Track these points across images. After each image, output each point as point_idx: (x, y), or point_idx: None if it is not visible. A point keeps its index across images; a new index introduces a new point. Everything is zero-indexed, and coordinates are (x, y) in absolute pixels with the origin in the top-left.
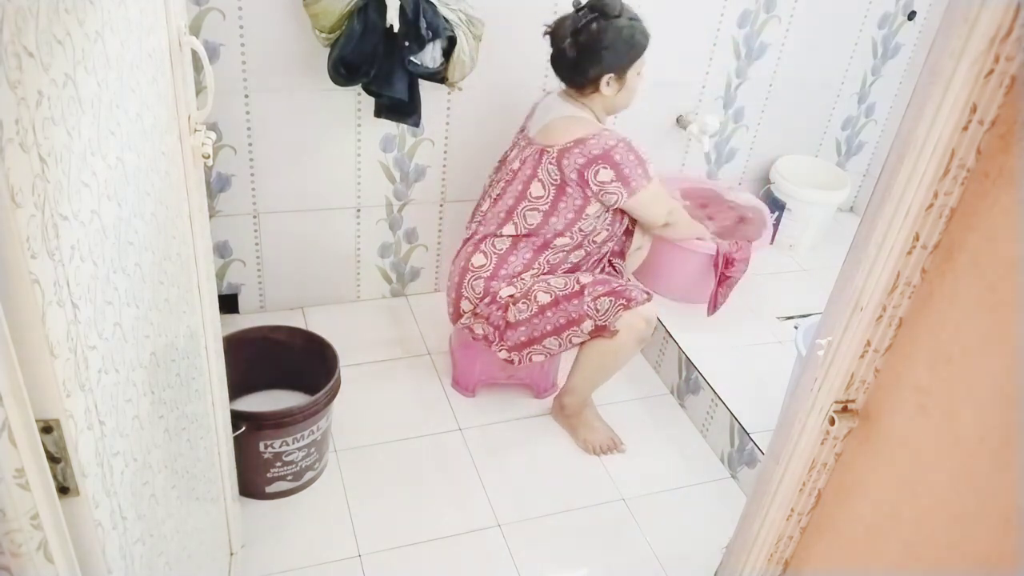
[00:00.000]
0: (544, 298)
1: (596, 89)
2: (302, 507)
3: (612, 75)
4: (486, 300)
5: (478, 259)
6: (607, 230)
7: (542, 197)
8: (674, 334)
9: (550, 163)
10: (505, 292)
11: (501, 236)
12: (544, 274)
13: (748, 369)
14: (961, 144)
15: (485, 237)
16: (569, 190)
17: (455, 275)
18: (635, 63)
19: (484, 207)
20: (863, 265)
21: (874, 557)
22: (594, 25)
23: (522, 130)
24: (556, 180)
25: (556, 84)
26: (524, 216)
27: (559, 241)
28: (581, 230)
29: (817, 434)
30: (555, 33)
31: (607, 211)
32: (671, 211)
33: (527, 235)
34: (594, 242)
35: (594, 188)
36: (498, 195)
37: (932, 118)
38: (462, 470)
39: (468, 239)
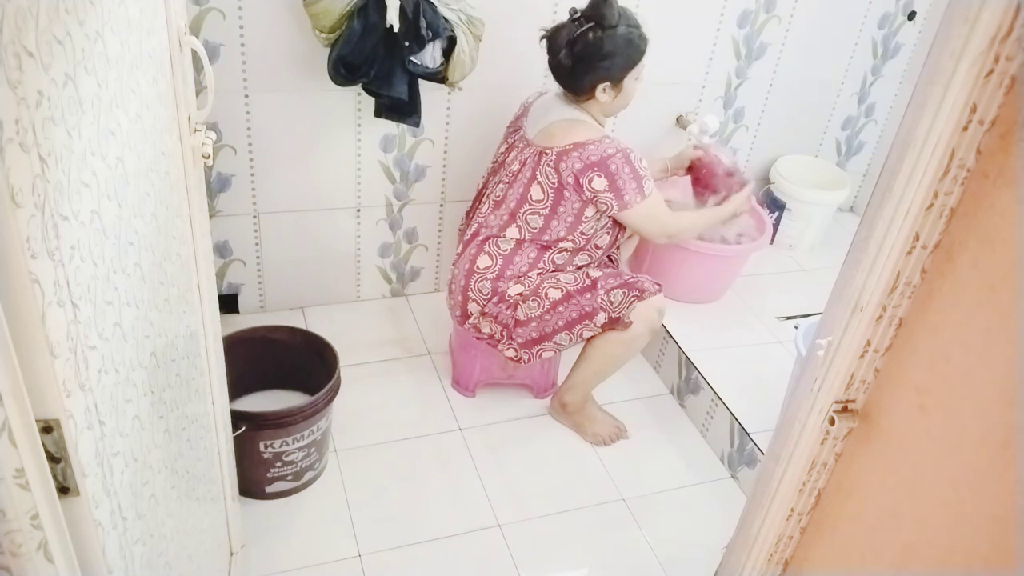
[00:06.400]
0: (555, 294)
1: (592, 96)
2: (302, 507)
3: (608, 83)
4: (494, 299)
5: (483, 260)
6: (609, 234)
7: (542, 200)
8: (674, 334)
9: (548, 166)
10: (513, 290)
11: (504, 238)
12: (551, 272)
13: (748, 369)
14: (961, 144)
15: (488, 238)
16: (566, 193)
17: (460, 278)
18: (633, 69)
19: (484, 209)
20: (863, 265)
21: (874, 557)
22: (590, 35)
23: (517, 129)
24: (554, 183)
25: (556, 85)
26: (527, 220)
27: (563, 244)
28: (583, 233)
29: (817, 434)
30: (551, 42)
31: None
32: (668, 232)
33: (531, 239)
34: (597, 247)
35: (588, 194)
36: (499, 198)
37: (932, 118)
38: (462, 470)
39: (469, 241)
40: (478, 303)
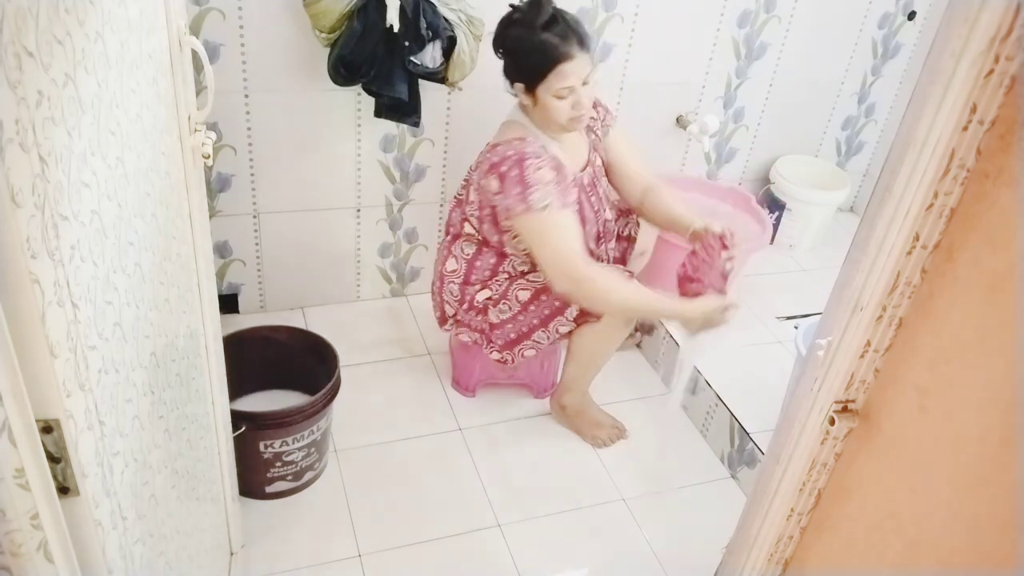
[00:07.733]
0: (524, 295)
1: (515, 93)
2: (302, 507)
3: (521, 85)
4: (464, 307)
5: (451, 264)
6: None
7: (474, 203)
8: (674, 334)
9: (474, 170)
10: (481, 296)
11: (468, 238)
12: (519, 276)
13: (748, 369)
14: (961, 144)
15: (456, 237)
16: (481, 199)
17: (435, 281)
18: (544, 83)
19: (449, 208)
20: (863, 265)
21: (874, 557)
22: (509, 28)
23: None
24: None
25: None
26: (473, 222)
27: (512, 258)
28: (515, 247)
29: (817, 434)
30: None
31: None
32: (572, 275)
33: (485, 241)
34: None
35: (489, 200)
36: (459, 196)
37: (932, 118)
38: (462, 470)
39: (443, 241)
40: (451, 306)
